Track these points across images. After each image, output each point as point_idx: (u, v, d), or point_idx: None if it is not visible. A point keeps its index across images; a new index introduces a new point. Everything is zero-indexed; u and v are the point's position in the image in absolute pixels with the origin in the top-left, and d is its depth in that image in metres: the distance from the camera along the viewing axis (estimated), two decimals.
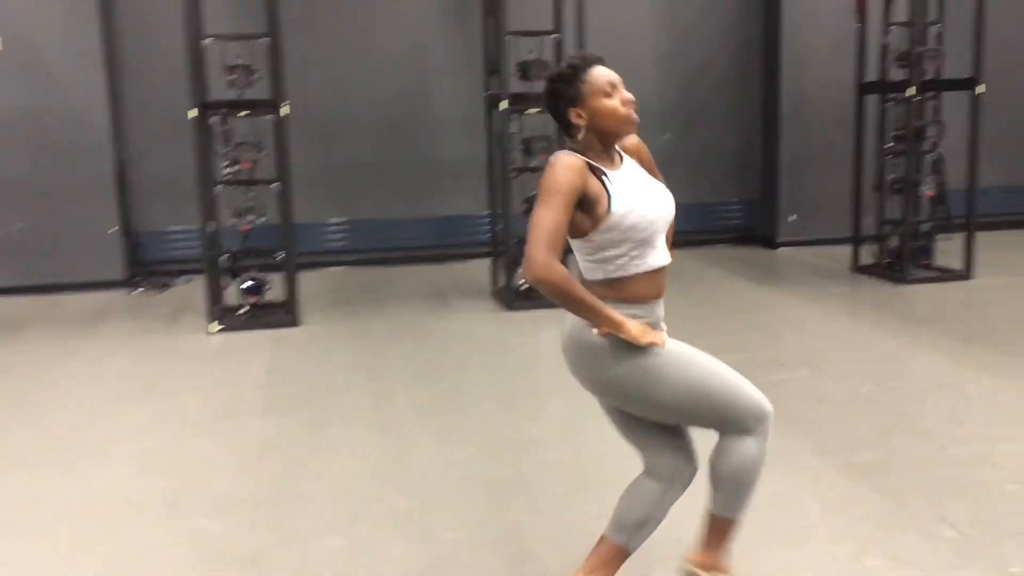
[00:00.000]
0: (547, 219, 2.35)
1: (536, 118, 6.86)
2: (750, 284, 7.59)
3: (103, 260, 7.78)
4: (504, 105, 6.53)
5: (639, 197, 2.46)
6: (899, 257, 7.42)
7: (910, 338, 5.75)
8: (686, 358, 2.50)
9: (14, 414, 4.82)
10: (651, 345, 2.43)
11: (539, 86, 6.73)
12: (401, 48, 8.56)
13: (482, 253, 7.98)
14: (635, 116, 2.48)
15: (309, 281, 7.62)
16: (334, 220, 8.64)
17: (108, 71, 7.74)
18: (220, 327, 6.32)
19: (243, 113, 6.34)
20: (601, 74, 2.49)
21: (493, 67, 6.91)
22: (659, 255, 2.52)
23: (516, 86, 6.75)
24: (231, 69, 6.33)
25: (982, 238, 7.39)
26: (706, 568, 2.63)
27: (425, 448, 4.19)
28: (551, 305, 2.48)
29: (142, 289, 7.76)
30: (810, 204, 8.79)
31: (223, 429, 4.51)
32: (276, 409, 4.76)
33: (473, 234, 8.60)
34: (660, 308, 2.57)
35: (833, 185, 8.34)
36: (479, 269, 7.91)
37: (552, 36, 6.85)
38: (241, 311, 6.52)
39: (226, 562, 3.18)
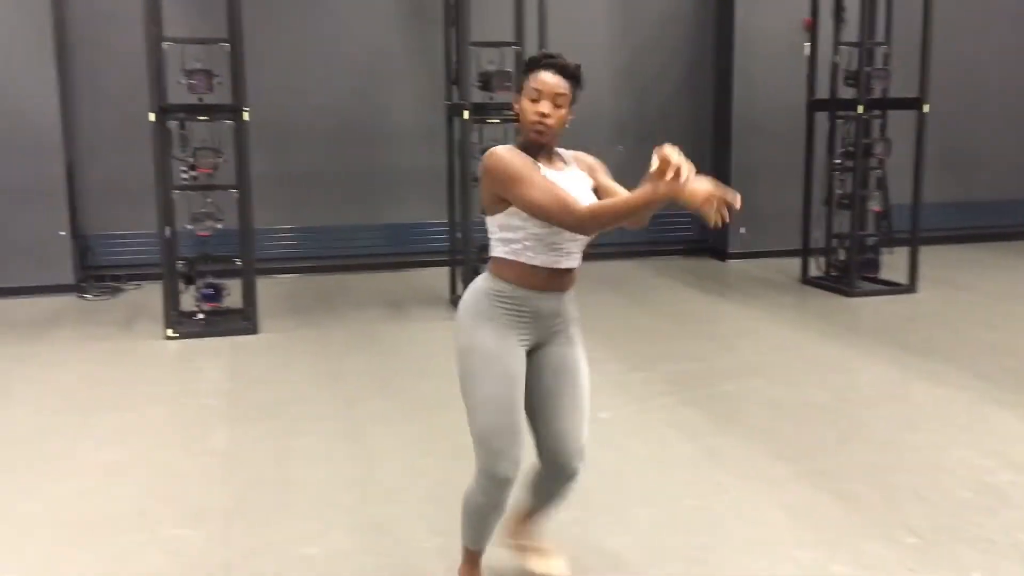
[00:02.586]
0: (538, 193, 2.45)
1: (497, 128, 6.92)
2: (702, 295, 7.73)
3: (52, 264, 7.61)
4: (467, 115, 6.58)
5: None
6: (846, 270, 7.64)
7: (858, 349, 5.93)
8: (495, 373, 2.60)
9: None
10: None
11: (500, 96, 6.88)
12: (361, 55, 8.54)
13: (438, 261, 8.00)
14: (541, 127, 2.53)
15: (261, 288, 7.54)
16: (286, 226, 8.56)
17: (59, 69, 7.56)
18: (176, 333, 6.25)
19: (203, 118, 6.28)
20: (538, 78, 2.54)
21: (454, 77, 6.94)
22: (552, 259, 2.59)
23: (477, 96, 6.80)
24: (190, 73, 6.25)
25: (924, 252, 7.62)
26: None
27: (393, 457, 4.21)
28: None
29: (94, 294, 7.61)
30: (760, 217, 8.96)
31: (188, 438, 4.46)
32: (240, 417, 4.73)
33: (429, 242, 8.62)
34: (549, 301, 2.65)
35: (782, 199, 8.53)
36: (436, 277, 7.92)
37: (513, 47, 6.92)
38: (198, 317, 6.45)
39: (201, 572, 3.16)
